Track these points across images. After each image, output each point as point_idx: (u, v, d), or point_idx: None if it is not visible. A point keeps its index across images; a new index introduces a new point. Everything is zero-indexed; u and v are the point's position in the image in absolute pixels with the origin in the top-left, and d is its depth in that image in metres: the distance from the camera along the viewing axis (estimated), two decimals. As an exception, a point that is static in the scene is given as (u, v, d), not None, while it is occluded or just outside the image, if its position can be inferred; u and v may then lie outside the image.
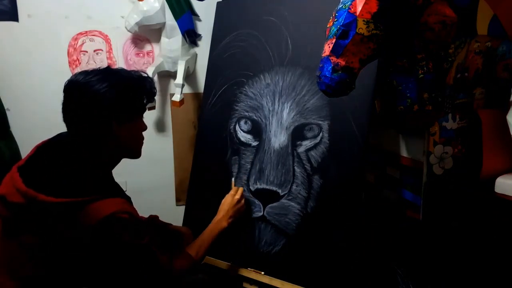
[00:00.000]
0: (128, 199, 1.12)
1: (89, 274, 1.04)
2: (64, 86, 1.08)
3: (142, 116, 1.16)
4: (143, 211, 1.45)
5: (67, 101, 1.07)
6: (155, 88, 1.17)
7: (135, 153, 1.18)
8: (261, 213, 1.40)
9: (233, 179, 1.46)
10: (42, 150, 1.09)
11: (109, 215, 0.97)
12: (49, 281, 1.02)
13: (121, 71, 1.12)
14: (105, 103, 1.03)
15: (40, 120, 1.90)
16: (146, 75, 1.16)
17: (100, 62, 1.90)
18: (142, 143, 1.19)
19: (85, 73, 1.07)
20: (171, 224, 1.42)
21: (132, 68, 1.93)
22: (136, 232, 1.03)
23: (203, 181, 1.58)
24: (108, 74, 1.07)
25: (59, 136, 1.13)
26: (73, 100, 1.06)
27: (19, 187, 0.98)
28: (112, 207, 0.98)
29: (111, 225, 0.98)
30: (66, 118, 1.07)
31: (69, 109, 1.07)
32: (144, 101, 1.14)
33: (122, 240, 1.00)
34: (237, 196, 1.36)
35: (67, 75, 1.88)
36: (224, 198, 1.37)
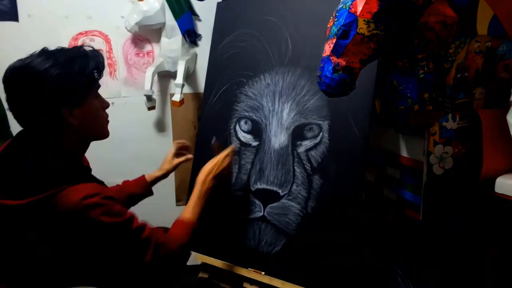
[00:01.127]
0: (100, 183, 1.07)
1: (78, 272, 1.00)
2: (3, 76, 0.99)
3: (96, 93, 1.06)
4: (143, 211, 1.45)
5: (8, 91, 0.98)
6: (102, 58, 1.05)
7: (100, 135, 1.09)
8: (261, 213, 1.40)
9: (214, 137, 1.46)
10: (2, 153, 1.02)
11: (78, 201, 0.90)
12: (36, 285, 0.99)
13: (62, 48, 1.02)
14: (49, 85, 0.94)
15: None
16: (90, 48, 1.05)
17: (100, 62, 1.90)
18: (106, 121, 1.10)
19: (23, 58, 1.00)
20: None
21: (132, 68, 1.93)
22: (112, 211, 0.95)
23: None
24: (48, 53, 0.99)
25: (16, 136, 1.05)
26: (13, 88, 0.97)
27: None
28: (80, 193, 0.92)
29: (82, 212, 0.91)
30: (13, 112, 0.99)
31: (12, 100, 0.98)
32: (95, 76, 1.03)
33: (102, 223, 0.93)
34: (219, 156, 1.31)
35: (67, 75, 1.90)
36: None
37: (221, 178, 1.29)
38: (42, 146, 0.98)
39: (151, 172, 1.49)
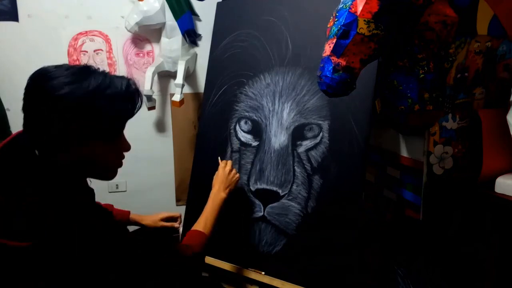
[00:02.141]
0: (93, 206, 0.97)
1: None
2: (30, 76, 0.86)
3: (121, 133, 0.94)
4: (143, 211, 1.46)
5: (24, 98, 0.85)
6: (134, 107, 0.90)
7: (104, 176, 0.95)
8: (262, 213, 1.40)
9: (219, 158, 1.45)
10: None
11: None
12: None
13: (101, 74, 0.86)
14: (63, 108, 0.81)
15: (40, 120, 1.90)
16: (135, 87, 0.90)
17: (100, 62, 1.91)
18: (117, 165, 0.96)
19: (52, 69, 0.86)
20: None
21: (132, 68, 1.93)
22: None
23: (204, 181, 1.58)
24: (83, 73, 0.85)
25: (15, 141, 0.89)
26: (27, 98, 0.85)
27: None
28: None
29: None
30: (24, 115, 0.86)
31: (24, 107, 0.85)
32: (129, 115, 0.90)
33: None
34: (228, 167, 1.35)
35: (67, 75, 1.90)
36: (216, 173, 1.36)
37: (231, 188, 1.32)
38: (42, 174, 0.85)
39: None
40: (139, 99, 0.91)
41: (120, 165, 0.97)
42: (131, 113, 0.90)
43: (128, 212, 1.43)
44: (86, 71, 0.86)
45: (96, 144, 0.87)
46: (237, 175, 1.36)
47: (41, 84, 0.83)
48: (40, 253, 0.78)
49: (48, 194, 0.82)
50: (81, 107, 0.82)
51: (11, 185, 0.82)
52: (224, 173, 1.34)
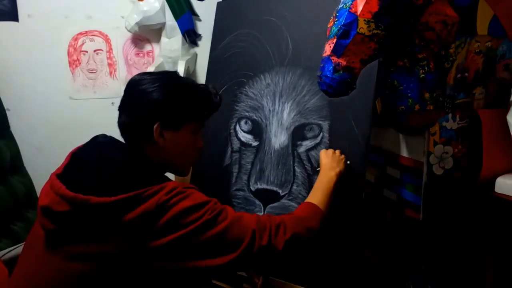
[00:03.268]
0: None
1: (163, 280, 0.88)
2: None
3: (196, 130, 1.04)
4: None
5: (123, 98, 1.02)
6: (218, 104, 1.07)
7: (178, 169, 1.07)
8: (262, 213, 1.40)
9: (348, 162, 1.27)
10: (80, 155, 0.99)
11: (165, 195, 0.85)
12: None
13: (183, 78, 1.07)
14: (150, 100, 0.96)
15: (40, 120, 1.91)
16: (214, 90, 1.06)
17: (100, 62, 1.91)
18: (192, 160, 1.08)
19: (144, 72, 1.04)
20: None
21: (132, 68, 1.93)
22: (200, 197, 0.90)
23: (204, 181, 1.58)
24: (166, 77, 1.02)
25: (95, 140, 1.01)
26: (123, 97, 1.01)
27: (64, 193, 0.87)
28: (167, 188, 0.87)
29: (167, 202, 0.85)
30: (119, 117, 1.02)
31: (120, 106, 1.02)
32: (201, 112, 1.04)
33: (187, 206, 0.86)
34: (334, 150, 1.24)
35: (67, 75, 1.91)
36: (321, 153, 1.24)
37: (341, 170, 1.18)
38: (128, 153, 0.96)
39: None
40: (220, 98, 1.08)
41: (195, 160, 1.09)
42: (215, 106, 1.07)
43: None
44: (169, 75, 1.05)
45: (185, 130, 1.00)
46: (342, 157, 1.22)
47: (131, 82, 1.01)
48: (120, 210, 0.84)
49: (144, 167, 0.95)
50: (160, 96, 0.96)
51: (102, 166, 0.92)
52: (330, 152, 1.22)
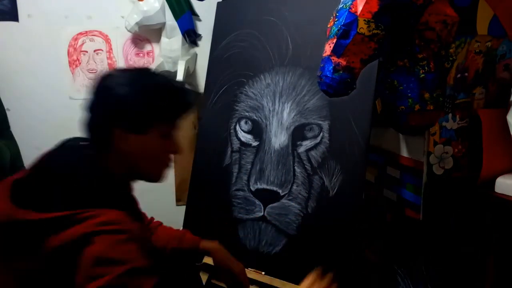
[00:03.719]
0: (134, 214, 0.89)
1: None
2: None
3: (166, 133, 0.94)
4: (143, 211, 1.45)
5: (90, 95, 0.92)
6: (190, 104, 0.96)
7: (148, 176, 0.95)
8: (262, 213, 1.40)
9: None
10: (42, 159, 0.92)
11: (95, 225, 0.76)
12: None
13: (156, 75, 0.95)
14: (112, 97, 0.87)
15: (40, 120, 1.91)
16: (186, 88, 0.96)
17: (100, 62, 1.91)
18: (164, 165, 0.96)
19: (117, 69, 0.97)
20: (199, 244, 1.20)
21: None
22: (123, 248, 0.77)
23: (204, 181, 1.58)
24: (136, 74, 0.93)
25: (64, 143, 0.95)
26: (90, 95, 0.92)
27: (6, 204, 0.81)
28: (103, 218, 0.77)
29: (92, 236, 0.75)
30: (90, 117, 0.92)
31: (86, 104, 0.92)
32: (171, 113, 0.93)
33: (105, 257, 0.74)
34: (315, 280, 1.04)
35: (67, 75, 1.91)
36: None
37: None
38: (87, 160, 0.88)
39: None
40: (192, 95, 0.98)
41: (167, 165, 0.98)
42: (187, 106, 0.96)
43: (198, 240, 1.21)
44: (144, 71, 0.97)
45: (152, 134, 0.90)
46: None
47: (103, 82, 0.90)
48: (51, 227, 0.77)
49: (92, 182, 0.84)
50: (122, 94, 0.87)
51: (60, 174, 0.85)
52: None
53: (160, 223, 1.28)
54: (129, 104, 0.87)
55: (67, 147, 0.93)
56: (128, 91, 0.87)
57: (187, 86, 0.99)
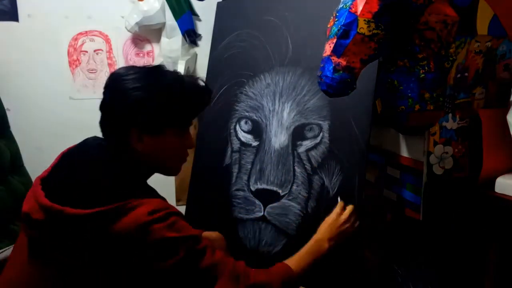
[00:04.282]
0: (164, 199, 0.97)
1: None
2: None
3: (182, 132, 0.98)
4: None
5: (104, 94, 0.95)
6: (208, 101, 1.02)
7: (166, 171, 1.02)
8: (262, 213, 1.40)
9: (338, 197, 1.23)
10: (66, 158, 0.96)
11: (144, 215, 0.82)
12: None
13: (169, 74, 0.97)
14: (129, 101, 0.89)
15: (40, 120, 1.91)
16: (203, 85, 0.99)
17: (100, 62, 1.91)
18: (182, 160, 1.03)
19: (129, 67, 0.96)
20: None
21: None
22: (178, 226, 0.86)
23: (204, 181, 1.58)
24: (150, 73, 0.94)
25: (84, 143, 0.98)
26: (104, 93, 0.95)
27: (41, 202, 0.85)
28: (148, 206, 0.84)
29: (147, 225, 0.82)
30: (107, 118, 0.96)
31: (101, 105, 0.95)
32: (188, 114, 0.98)
33: (165, 238, 0.83)
34: (344, 216, 1.14)
35: (67, 75, 1.91)
36: (329, 216, 1.16)
37: (338, 241, 1.11)
38: (109, 158, 0.92)
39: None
40: (209, 93, 1.02)
41: (185, 160, 1.03)
42: (204, 104, 1.02)
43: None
44: (158, 69, 0.97)
45: (169, 133, 0.94)
46: (351, 226, 1.13)
47: (117, 82, 0.93)
48: (93, 223, 0.82)
49: (116, 177, 0.89)
50: (139, 98, 0.89)
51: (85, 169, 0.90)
52: (336, 220, 1.13)
53: None
54: (145, 107, 0.90)
55: (89, 144, 0.97)
56: (144, 94, 0.90)
57: (200, 81, 0.99)
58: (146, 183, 0.99)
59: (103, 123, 0.96)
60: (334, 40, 0.96)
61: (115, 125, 0.93)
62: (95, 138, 0.99)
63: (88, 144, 0.97)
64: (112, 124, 0.94)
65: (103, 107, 0.95)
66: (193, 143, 1.02)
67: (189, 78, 1.00)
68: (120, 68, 0.96)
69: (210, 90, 1.03)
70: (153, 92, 0.91)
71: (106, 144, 0.95)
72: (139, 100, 0.89)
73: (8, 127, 1.81)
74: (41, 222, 0.85)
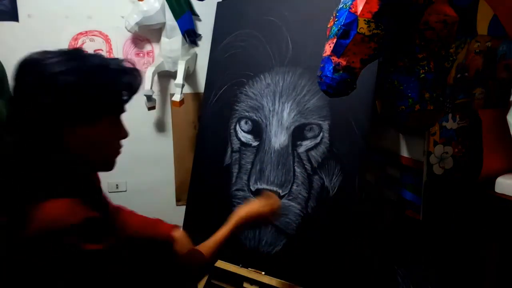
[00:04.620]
0: (84, 198, 0.81)
1: None
2: (17, 65, 0.82)
3: (115, 119, 0.87)
4: (143, 211, 1.45)
5: (14, 83, 0.81)
6: (137, 82, 0.86)
7: (101, 166, 0.89)
8: (262, 213, 1.40)
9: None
10: None
11: (44, 223, 0.74)
12: None
13: (94, 55, 0.84)
14: (59, 88, 0.76)
15: (40, 120, 1.90)
16: (129, 65, 0.86)
17: (100, 62, 1.91)
18: (116, 154, 0.89)
19: (46, 52, 0.81)
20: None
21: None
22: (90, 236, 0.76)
23: (204, 181, 1.58)
24: (74, 56, 0.81)
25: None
26: (18, 82, 0.80)
27: None
28: (54, 210, 0.75)
29: (48, 236, 0.73)
30: (12, 104, 0.82)
31: (14, 95, 0.81)
32: (120, 97, 0.84)
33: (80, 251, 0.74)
34: (273, 203, 1.13)
35: (67, 75, 1.90)
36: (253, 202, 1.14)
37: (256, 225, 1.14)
38: (24, 158, 0.81)
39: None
40: (138, 74, 0.87)
41: (119, 152, 0.90)
42: (133, 88, 0.86)
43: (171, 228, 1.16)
44: (79, 53, 0.84)
45: (105, 121, 0.83)
46: (267, 214, 1.11)
47: (30, 64, 0.81)
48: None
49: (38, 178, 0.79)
50: (68, 84, 0.77)
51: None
52: (257, 203, 1.11)
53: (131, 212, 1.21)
54: (80, 93, 0.78)
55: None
56: (75, 78, 0.77)
57: (127, 63, 0.87)
58: (83, 181, 0.88)
59: (16, 119, 0.81)
60: (334, 40, 0.96)
61: (40, 118, 0.78)
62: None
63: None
64: (35, 118, 0.78)
65: (19, 98, 0.80)
66: (127, 134, 0.90)
67: (114, 60, 0.87)
68: (32, 53, 0.82)
69: (139, 70, 0.89)
70: (86, 75, 0.79)
71: (21, 143, 0.82)
72: (71, 84, 0.76)
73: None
74: None
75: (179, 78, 1.79)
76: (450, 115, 1.21)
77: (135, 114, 1.93)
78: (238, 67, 1.54)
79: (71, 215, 0.75)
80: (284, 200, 1.37)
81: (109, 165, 0.90)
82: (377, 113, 1.27)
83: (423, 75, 1.04)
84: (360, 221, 1.26)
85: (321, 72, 1.00)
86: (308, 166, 1.35)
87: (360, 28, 0.94)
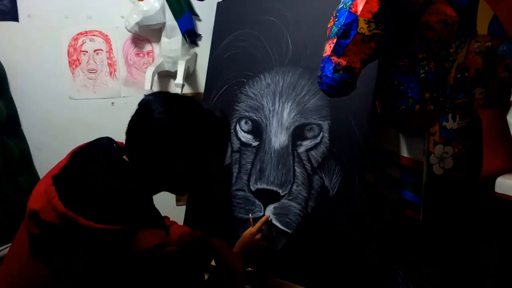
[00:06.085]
0: (166, 230, 1.05)
1: None
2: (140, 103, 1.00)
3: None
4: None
5: (137, 119, 0.98)
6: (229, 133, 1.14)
7: (177, 191, 1.18)
8: (262, 213, 1.40)
9: (250, 215, 1.40)
10: (78, 158, 0.96)
11: (153, 248, 0.87)
12: None
13: (201, 107, 1.03)
14: (176, 141, 0.95)
15: (39, 120, 1.91)
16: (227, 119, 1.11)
17: (100, 62, 1.91)
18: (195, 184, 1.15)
19: (168, 99, 1.01)
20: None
21: (132, 68, 1.93)
22: (184, 264, 0.94)
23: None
24: (191, 110, 1.00)
25: (98, 143, 1.00)
26: (143, 124, 0.97)
27: (56, 206, 0.84)
28: (155, 239, 0.89)
29: (156, 257, 0.87)
30: (129, 136, 0.98)
31: (135, 130, 0.98)
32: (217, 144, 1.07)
33: (172, 273, 0.90)
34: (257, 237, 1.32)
35: (67, 75, 1.91)
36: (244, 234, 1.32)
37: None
38: (132, 178, 0.95)
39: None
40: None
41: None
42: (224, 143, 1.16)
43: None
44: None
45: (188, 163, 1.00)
46: (263, 243, 1.33)
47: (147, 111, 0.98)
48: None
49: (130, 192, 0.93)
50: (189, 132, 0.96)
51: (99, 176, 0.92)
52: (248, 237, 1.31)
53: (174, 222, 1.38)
54: (192, 146, 0.98)
55: (104, 148, 0.99)
56: (191, 134, 0.96)
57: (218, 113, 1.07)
58: (153, 205, 1.10)
59: (139, 153, 0.97)
60: (334, 40, 0.96)
61: (163, 151, 0.96)
62: (109, 140, 1.00)
63: (102, 148, 0.98)
64: (159, 149, 0.96)
65: (160, 130, 0.95)
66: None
67: (220, 118, 1.07)
68: (159, 99, 1.00)
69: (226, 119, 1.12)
70: (198, 132, 0.98)
71: (121, 151, 0.98)
72: (187, 140, 0.96)
73: (20, 125, 1.79)
74: (51, 224, 0.85)
75: (179, 78, 1.79)
76: (450, 115, 1.21)
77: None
78: (238, 67, 1.54)
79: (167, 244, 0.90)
80: (284, 200, 1.37)
81: (185, 192, 1.24)
82: (377, 113, 1.27)
83: (423, 75, 1.04)
84: (360, 221, 1.26)
85: (321, 72, 1.00)
86: (308, 166, 1.35)
87: (360, 28, 0.94)
